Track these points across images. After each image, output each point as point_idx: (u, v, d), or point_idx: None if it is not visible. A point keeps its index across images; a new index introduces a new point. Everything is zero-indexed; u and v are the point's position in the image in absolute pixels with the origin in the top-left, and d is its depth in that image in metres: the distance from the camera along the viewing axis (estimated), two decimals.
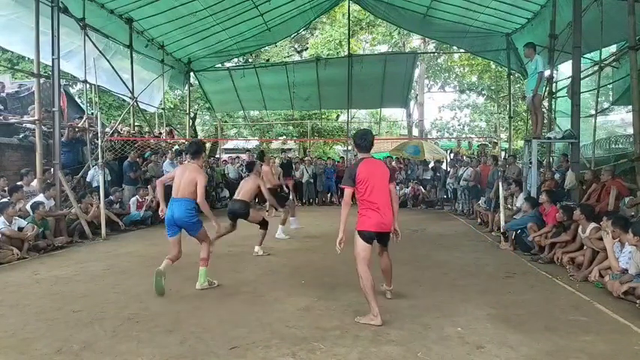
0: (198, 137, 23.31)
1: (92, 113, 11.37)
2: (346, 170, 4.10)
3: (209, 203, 12.87)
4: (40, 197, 7.66)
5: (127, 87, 12.20)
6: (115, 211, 9.18)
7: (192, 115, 19.78)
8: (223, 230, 6.76)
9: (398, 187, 12.85)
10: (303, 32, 22.58)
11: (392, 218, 4.06)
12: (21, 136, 9.59)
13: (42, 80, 8.85)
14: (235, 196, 6.99)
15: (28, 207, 7.27)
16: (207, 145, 20.84)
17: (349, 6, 16.69)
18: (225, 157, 19.62)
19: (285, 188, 11.78)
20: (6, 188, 7.60)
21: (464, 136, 25.14)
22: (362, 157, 4.02)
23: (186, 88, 17.30)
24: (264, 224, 6.90)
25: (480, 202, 10.37)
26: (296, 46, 26.01)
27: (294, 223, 9.35)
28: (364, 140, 4.01)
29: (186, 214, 4.75)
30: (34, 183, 8.23)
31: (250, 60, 21.86)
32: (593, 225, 5.59)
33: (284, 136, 24.09)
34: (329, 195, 15.53)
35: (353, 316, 4.01)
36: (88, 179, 9.73)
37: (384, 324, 3.78)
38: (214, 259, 6.42)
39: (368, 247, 3.96)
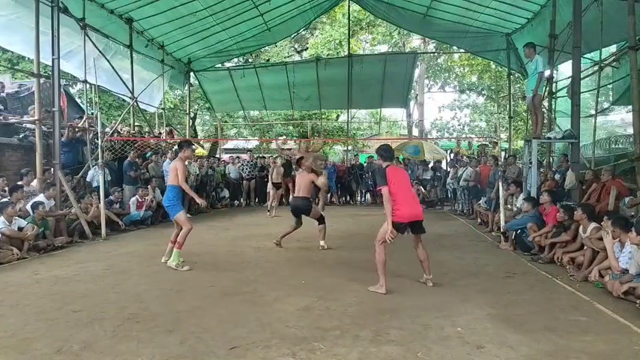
0: (198, 137, 23.32)
1: (92, 113, 11.35)
2: (377, 176, 5.04)
3: (209, 203, 12.82)
4: (40, 197, 7.65)
5: (127, 87, 12.20)
6: (115, 211, 9.18)
7: (192, 115, 19.77)
8: (289, 228, 7.29)
9: None
10: (303, 32, 22.58)
11: (420, 209, 4.98)
12: (21, 136, 9.57)
13: (42, 80, 8.84)
14: (296, 194, 7.22)
15: (28, 207, 7.27)
16: (207, 145, 20.86)
17: (349, 6, 16.71)
18: (225, 157, 19.59)
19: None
20: (6, 188, 7.59)
21: (464, 136, 25.14)
22: (387, 164, 5.00)
23: (186, 88, 17.28)
24: (322, 220, 7.24)
25: (480, 202, 10.37)
26: (296, 46, 25.99)
27: None
28: (389, 152, 5.12)
29: (166, 200, 5.98)
30: (34, 183, 8.23)
31: (250, 60, 21.85)
32: (593, 225, 5.59)
33: (284, 136, 24.08)
34: (329, 195, 15.51)
35: (353, 316, 4.02)
36: (88, 179, 9.71)
37: (387, 293, 4.62)
38: (215, 260, 6.45)
39: (395, 235, 4.73)
